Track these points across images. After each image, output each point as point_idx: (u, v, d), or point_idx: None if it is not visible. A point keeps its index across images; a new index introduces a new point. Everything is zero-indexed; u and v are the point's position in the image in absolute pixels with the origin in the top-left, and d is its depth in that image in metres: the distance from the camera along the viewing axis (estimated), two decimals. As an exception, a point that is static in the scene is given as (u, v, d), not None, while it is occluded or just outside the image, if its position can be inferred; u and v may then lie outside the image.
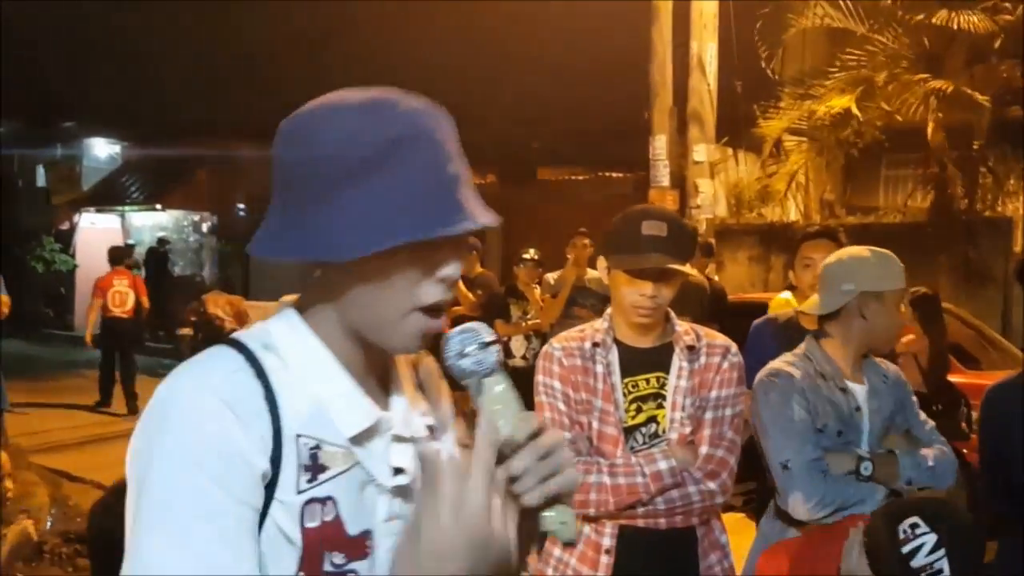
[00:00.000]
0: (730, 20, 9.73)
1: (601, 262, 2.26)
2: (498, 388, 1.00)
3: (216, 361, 1.01)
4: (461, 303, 7.24)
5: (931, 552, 1.88)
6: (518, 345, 6.72)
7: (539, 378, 2.28)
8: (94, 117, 18.56)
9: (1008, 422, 2.15)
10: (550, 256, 7.39)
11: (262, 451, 0.96)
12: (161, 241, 18.20)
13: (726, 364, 2.23)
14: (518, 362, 6.70)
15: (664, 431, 2.19)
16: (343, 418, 1.03)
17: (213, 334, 13.20)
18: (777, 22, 9.74)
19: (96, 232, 19.19)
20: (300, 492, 0.98)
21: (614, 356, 2.25)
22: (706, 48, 9.58)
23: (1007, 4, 8.39)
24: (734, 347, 2.28)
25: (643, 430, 2.20)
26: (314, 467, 1.00)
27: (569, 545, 0.90)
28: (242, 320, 13.62)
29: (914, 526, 1.94)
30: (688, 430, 2.20)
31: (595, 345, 2.26)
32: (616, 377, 2.23)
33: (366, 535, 1.03)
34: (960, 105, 8.31)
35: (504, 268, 8.02)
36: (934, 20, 8.51)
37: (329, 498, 1.00)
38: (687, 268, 2.18)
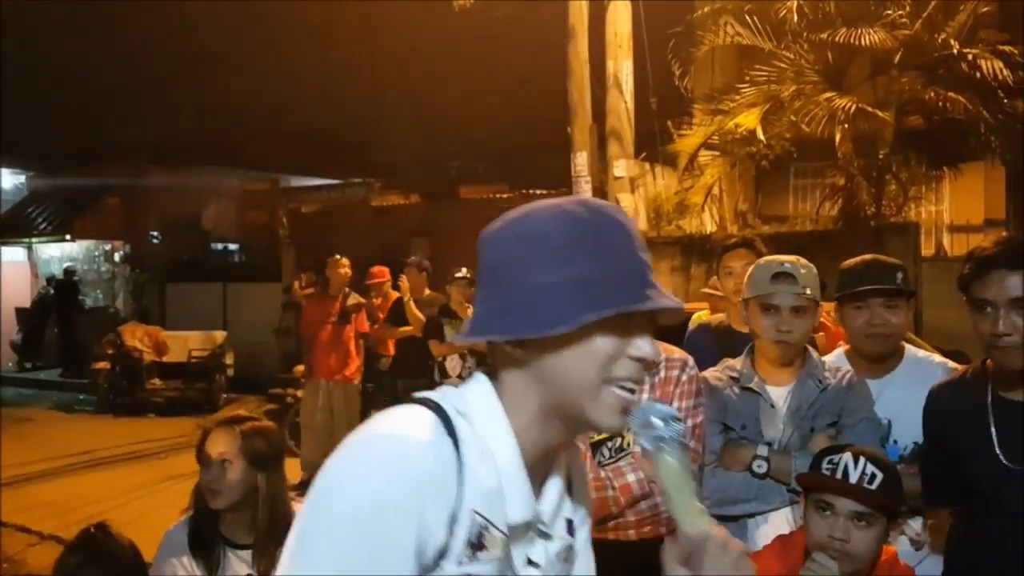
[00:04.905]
0: (643, 39, 10.00)
1: None
2: (672, 467, 1.10)
3: (420, 424, 1.07)
4: (412, 324, 7.26)
5: (855, 466, 2.01)
6: (454, 364, 6.76)
7: None
8: (-4, 146, 17.86)
9: (952, 419, 2.28)
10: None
11: (445, 522, 1.04)
12: (68, 272, 17.58)
13: (684, 376, 2.32)
14: (454, 381, 6.73)
15: (629, 444, 2.27)
16: (511, 505, 1.10)
17: (132, 367, 12.82)
18: (689, 40, 10.04)
19: (1, 265, 18.50)
20: (460, 564, 1.06)
21: None
22: (621, 66, 9.82)
23: (905, 20, 8.82)
24: (691, 360, 2.37)
25: (609, 444, 2.27)
26: (478, 545, 1.07)
27: None
28: (161, 351, 13.25)
29: (828, 460, 2.07)
30: None
31: None
32: None
33: None
34: (865, 117, 8.70)
35: (430, 288, 8.05)
36: (837, 38, 8.89)
37: None
38: None
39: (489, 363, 1.17)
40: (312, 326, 7.76)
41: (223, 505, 2.46)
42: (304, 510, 1.04)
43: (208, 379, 12.73)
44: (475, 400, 1.13)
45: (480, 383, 1.16)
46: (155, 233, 18.10)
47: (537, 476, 1.15)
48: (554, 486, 1.18)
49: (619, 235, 1.12)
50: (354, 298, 7.83)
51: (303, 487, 7.33)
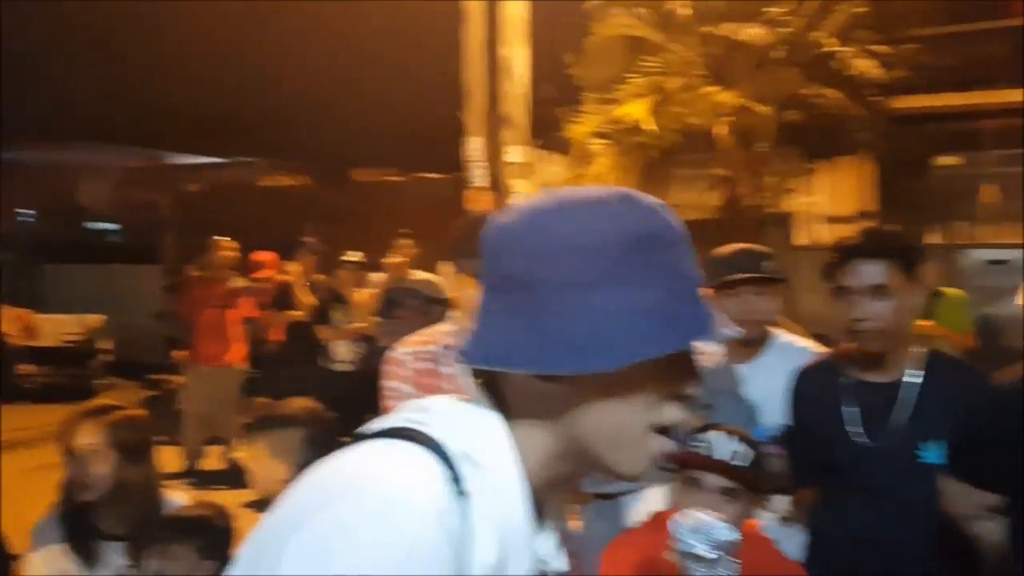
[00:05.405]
0: (537, 25, 10.06)
1: (448, 267, 2.33)
2: None
3: (425, 482, 0.87)
4: (300, 308, 7.14)
5: (721, 443, 2.08)
6: (344, 349, 6.69)
7: (388, 383, 2.31)
8: None
9: (814, 400, 2.40)
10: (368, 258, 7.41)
11: None
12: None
13: None
14: (344, 366, 6.68)
15: None
16: (515, 564, 0.93)
17: (-1, 352, 12.17)
18: (581, 30, 10.18)
19: None
20: None
21: None
22: (515, 52, 9.85)
23: (788, 18, 9.19)
24: None
25: None
26: None
27: None
28: (33, 335, 12.63)
29: (697, 438, 2.11)
30: None
31: (446, 347, 2.30)
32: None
33: None
34: (746, 111, 9.02)
35: (319, 271, 7.93)
36: (720, 32, 9.19)
37: None
38: None
39: (485, 385, 0.98)
40: (193, 310, 7.52)
41: (92, 497, 2.40)
42: None
43: (82, 364, 12.22)
44: (484, 441, 0.94)
45: (489, 419, 0.95)
46: (28, 212, 17.21)
47: (538, 519, 0.98)
48: (553, 520, 1.02)
49: (674, 244, 0.92)
50: (238, 281, 7.61)
51: (186, 475, 7.08)
